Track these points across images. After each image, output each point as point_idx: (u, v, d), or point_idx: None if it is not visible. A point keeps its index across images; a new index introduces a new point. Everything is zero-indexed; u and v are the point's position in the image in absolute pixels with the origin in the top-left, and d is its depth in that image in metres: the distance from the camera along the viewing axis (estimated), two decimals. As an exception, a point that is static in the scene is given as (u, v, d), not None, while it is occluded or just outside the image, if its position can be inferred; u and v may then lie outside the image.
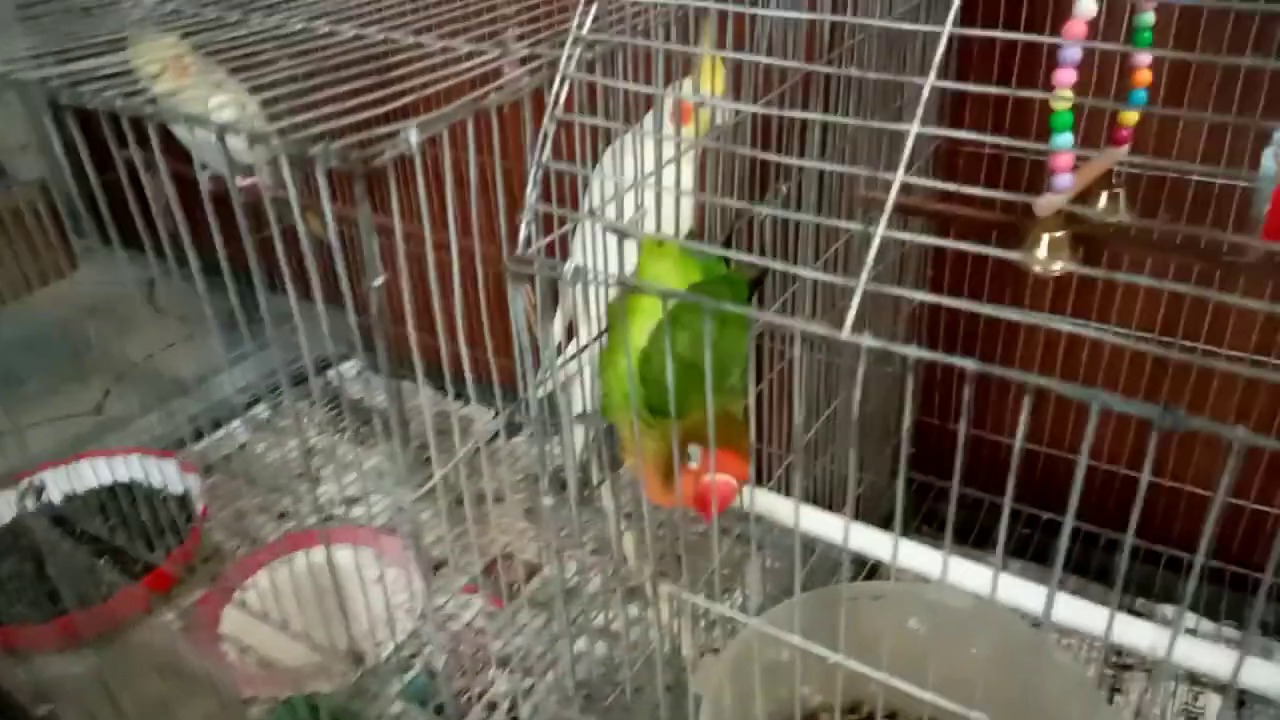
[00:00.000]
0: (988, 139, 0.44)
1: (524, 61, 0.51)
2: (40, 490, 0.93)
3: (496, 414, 1.35)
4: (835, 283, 0.42)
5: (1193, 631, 1.03)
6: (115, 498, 1.25)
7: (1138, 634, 0.61)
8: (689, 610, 0.84)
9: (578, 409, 0.71)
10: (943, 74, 0.44)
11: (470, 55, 0.52)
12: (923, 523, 1.21)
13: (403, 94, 0.48)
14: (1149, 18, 0.67)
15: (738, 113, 0.66)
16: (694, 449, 0.52)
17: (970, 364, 0.40)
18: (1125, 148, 0.72)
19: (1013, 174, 1.04)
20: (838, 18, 0.65)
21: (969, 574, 0.64)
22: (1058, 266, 0.74)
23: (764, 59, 0.52)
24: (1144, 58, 0.68)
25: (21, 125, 1.36)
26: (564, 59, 0.48)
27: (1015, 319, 0.41)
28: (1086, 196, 0.72)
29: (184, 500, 1.29)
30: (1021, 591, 0.63)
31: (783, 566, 1.05)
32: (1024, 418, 0.40)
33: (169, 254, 0.60)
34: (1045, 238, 0.70)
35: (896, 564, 0.59)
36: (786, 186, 0.75)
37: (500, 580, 1.21)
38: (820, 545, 1.04)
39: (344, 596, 0.68)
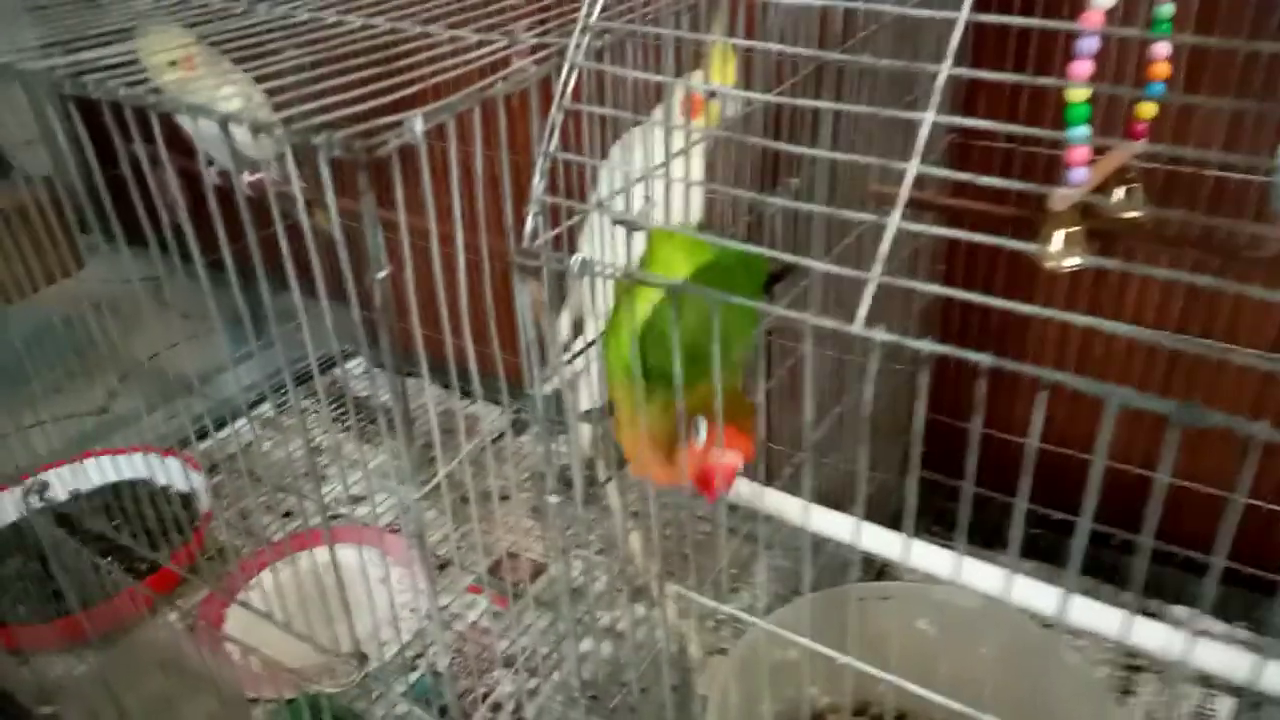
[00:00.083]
0: (1002, 128, 0.43)
1: (532, 51, 0.50)
2: (44, 489, 0.93)
3: (503, 411, 1.35)
4: (847, 275, 0.41)
5: (1206, 632, 1.02)
6: (120, 496, 1.25)
7: (1151, 636, 0.60)
8: (696, 610, 0.83)
9: (584, 406, 0.70)
10: (957, 64, 0.43)
11: (478, 45, 0.51)
12: (933, 521, 1.20)
13: (409, 84, 0.47)
14: (1168, 9, 0.66)
15: (749, 103, 0.66)
16: (700, 423, 0.50)
17: (985, 358, 0.39)
18: (1142, 141, 0.71)
19: (1027, 169, 1.03)
20: (850, 4, 0.64)
21: (981, 574, 0.63)
22: (1072, 261, 0.73)
23: (775, 47, 0.51)
24: (1162, 50, 0.67)
25: (28, 119, 1.36)
26: (572, 47, 0.47)
27: (1029, 312, 0.40)
28: (1102, 190, 0.71)
29: (189, 499, 1.28)
30: (1034, 592, 0.62)
31: (791, 565, 1.04)
32: (1038, 415, 0.39)
33: (173, 250, 0.60)
34: (1060, 232, 0.69)
35: (907, 564, 0.58)
36: (797, 180, 0.74)
37: (505, 580, 1.21)
38: (829, 544, 1.03)
39: (348, 596, 0.67)
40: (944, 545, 0.67)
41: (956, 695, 0.51)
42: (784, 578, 1.05)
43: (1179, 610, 1.07)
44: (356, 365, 1.63)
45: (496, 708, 1.05)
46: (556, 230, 0.51)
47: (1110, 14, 0.57)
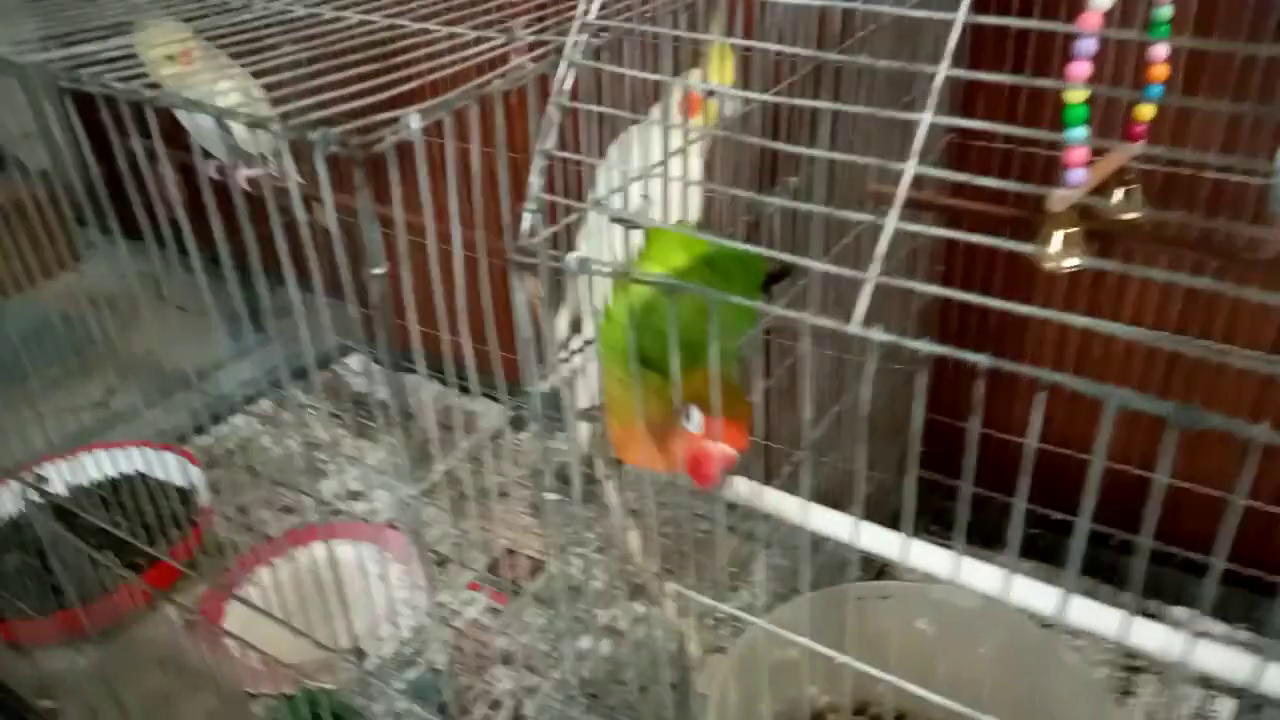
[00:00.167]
0: (1000, 128, 0.43)
1: (530, 48, 0.50)
2: (43, 483, 0.93)
3: (502, 409, 1.35)
4: (846, 275, 0.41)
5: (1206, 633, 1.02)
6: (118, 491, 1.25)
7: (1151, 637, 0.60)
8: (695, 608, 0.83)
9: (583, 404, 0.70)
10: (955, 65, 0.43)
11: (476, 41, 0.51)
12: (932, 521, 1.20)
13: (407, 80, 0.47)
14: (1167, 10, 0.66)
15: (747, 103, 0.66)
16: (695, 411, 0.50)
17: (983, 359, 0.39)
18: (1140, 143, 0.71)
19: (1025, 170, 1.03)
20: (849, 4, 0.64)
21: (980, 574, 0.63)
22: (1070, 262, 0.73)
23: (774, 47, 0.51)
24: (1160, 51, 0.67)
25: (25, 113, 1.36)
26: (570, 45, 0.47)
27: (1028, 313, 0.40)
28: (1101, 191, 0.71)
29: (187, 494, 1.28)
30: (1033, 593, 0.62)
31: (790, 564, 1.04)
32: (1036, 416, 0.39)
33: (171, 245, 0.60)
34: (1058, 233, 0.69)
35: (906, 564, 0.58)
36: (795, 180, 0.74)
37: (504, 577, 1.21)
38: (828, 543, 1.03)
39: (347, 593, 0.67)
40: (943, 545, 0.67)
41: (955, 695, 0.51)
42: (783, 576, 1.05)
43: (1179, 611, 1.07)
44: (355, 361, 1.63)
45: (495, 705, 1.05)
46: (554, 228, 0.51)
47: (1108, 15, 0.57)
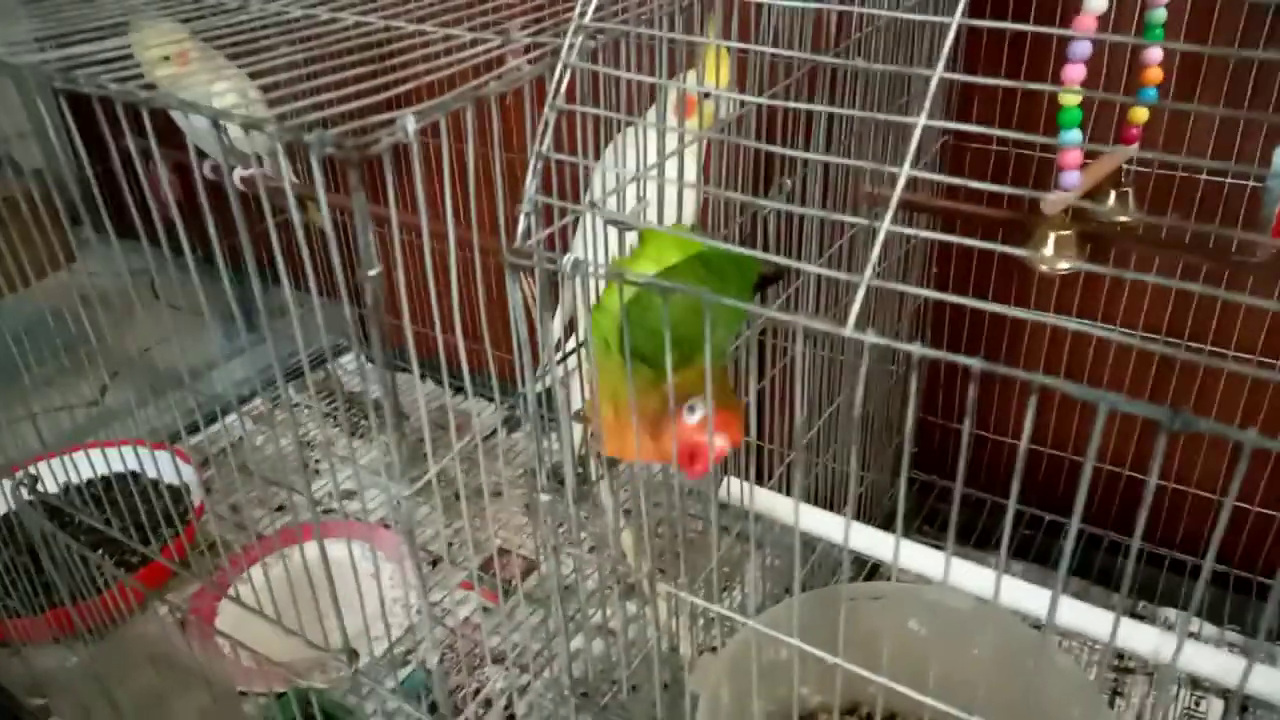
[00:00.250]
0: (995, 132, 0.43)
1: (526, 50, 0.50)
2: (35, 481, 0.93)
3: (495, 408, 1.34)
4: (839, 278, 0.41)
5: (1196, 635, 1.02)
6: (111, 489, 1.24)
7: (1141, 639, 0.60)
8: (687, 608, 0.83)
9: (577, 405, 0.70)
10: (950, 68, 0.43)
11: (473, 43, 0.51)
12: (924, 522, 1.21)
13: (403, 81, 0.47)
14: (1161, 14, 0.66)
15: (742, 105, 0.66)
16: (697, 403, 0.51)
17: (975, 362, 0.39)
18: (1134, 146, 0.71)
19: (1019, 172, 1.03)
20: (845, 8, 0.64)
21: (972, 576, 0.63)
22: (1064, 265, 0.73)
23: (770, 49, 0.51)
24: (1155, 55, 0.67)
25: (20, 113, 1.36)
26: (566, 47, 0.47)
27: (1021, 317, 0.40)
28: (1094, 194, 0.71)
29: (180, 493, 1.28)
30: (1025, 595, 0.62)
31: (783, 565, 1.04)
32: (1029, 418, 0.39)
33: (165, 245, 0.60)
34: (1052, 236, 0.70)
35: (898, 564, 0.58)
36: (790, 181, 0.74)
37: (497, 576, 1.21)
38: (821, 544, 1.03)
39: (339, 592, 0.67)
40: (934, 545, 0.67)
41: (947, 696, 0.51)
42: (776, 576, 1.05)
43: (1169, 612, 1.08)
44: (348, 360, 1.63)
45: (487, 704, 1.05)
46: (550, 229, 0.51)
47: (1103, 19, 0.58)
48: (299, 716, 0.90)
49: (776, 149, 0.47)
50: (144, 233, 0.60)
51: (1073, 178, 0.64)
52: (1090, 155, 0.67)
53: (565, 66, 0.47)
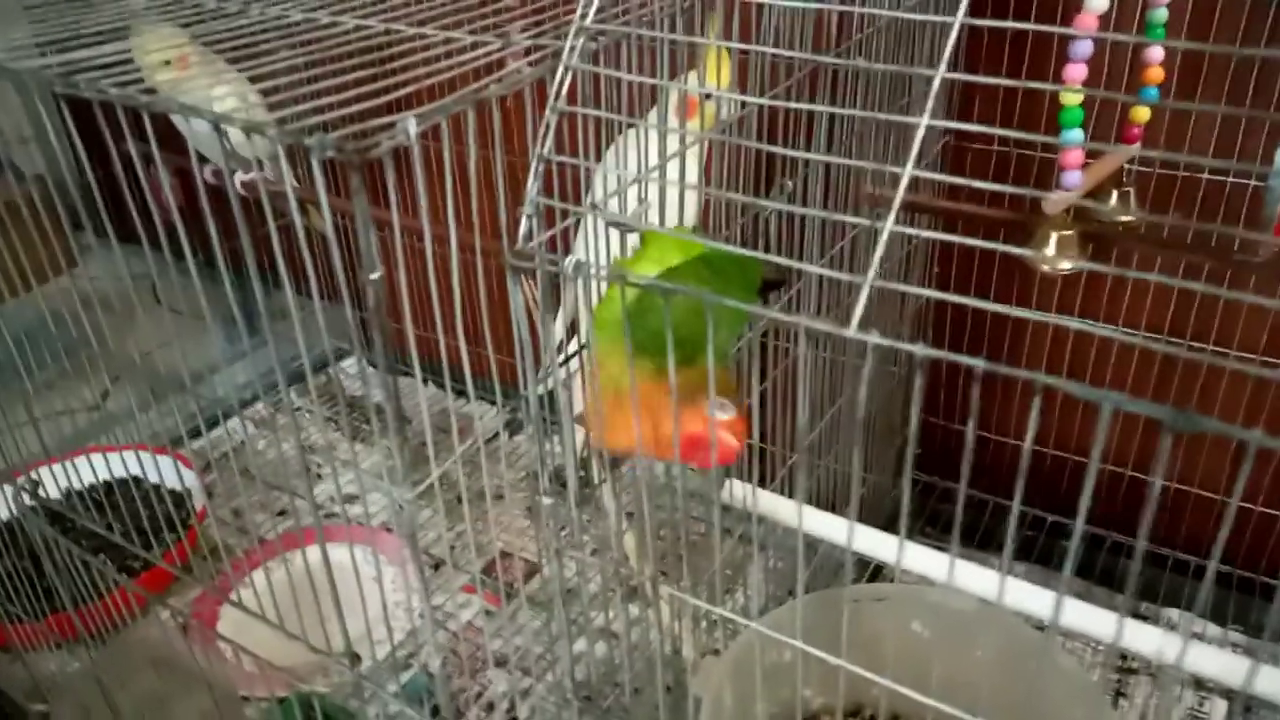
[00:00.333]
0: (996, 131, 0.43)
1: (527, 52, 0.50)
2: (37, 486, 0.93)
3: (497, 412, 1.34)
4: (842, 279, 0.41)
5: (1199, 636, 1.02)
6: (113, 494, 1.24)
7: (1145, 639, 0.60)
8: (690, 611, 0.83)
9: (579, 408, 0.70)
10: (952, 68, 0.43)
11: (473, 46, 0.51)
12: (926, 523, 1.20)
13: (404, 85, 0.47)
14: (1162, 13, 0.66)
15: (744, 106, 0.66)
16: (725, 402, 0.52)
17: (979, 363, 0.39)
18: (1136, 145, 0.71)
19: (1021, 172, 1.03)
20: (846, 8, 0.64)
21: (975, 577, 0.63)
22: (1066, 264, 0.73)
23: (771, 50, 0.51)
24: (1156, 54, 0.67)
25: (22, 117, 1.36)
26: (567, 49, 0.47)
27: (1024, 316, 0.40)
28: (1096, 194, 0.71)
29: (182, 497, 1.28)
30: (1028, 596, 0.62)
31: (785, 566, 1.04)
32: (1033, 419, 0.39)
33: (166, 249, 0.60)
34: (1054, 235, 0.70)
35: (902, 567, 0.58)
36: (792, 182, 0.74)
37: (499, 579, 1.21)
38: (823, 545, 1.03)
39: (341, 595, 0.67)
40: (937, 547, 0.67)
41: (950, 698, 0.51)
42: (778, 578, 1.05)
43: (1172, 613, 1.07)
44: (350, 364, 1.63)
45: (490, 708, 1.05)
46: (551, 231, 0.51)
47: (1104, 18, 0.57)
48: (301, 721, 0.90)
49: (778, 149, 0.47)
50: (145, 237, 0.60)
51: (1074, 178, 0.64)
52: (1092, 155, 0.67)
53: (566, 69, 0.47)
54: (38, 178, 1.14)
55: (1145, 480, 1.11)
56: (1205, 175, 0.93)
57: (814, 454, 0.95)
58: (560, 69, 0.47)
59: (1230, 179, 0.92)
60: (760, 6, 0.66)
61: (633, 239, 0.62)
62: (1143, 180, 0.94)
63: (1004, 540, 0.43)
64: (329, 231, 0.47)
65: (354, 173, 0.40)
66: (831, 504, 1.00)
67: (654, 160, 0.58)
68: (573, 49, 0.48)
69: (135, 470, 1.26)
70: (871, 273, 0.39)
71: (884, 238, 0.39)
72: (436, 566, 1.23)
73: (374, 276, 0.42)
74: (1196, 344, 1.01)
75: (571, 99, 0.48)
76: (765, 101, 0.45)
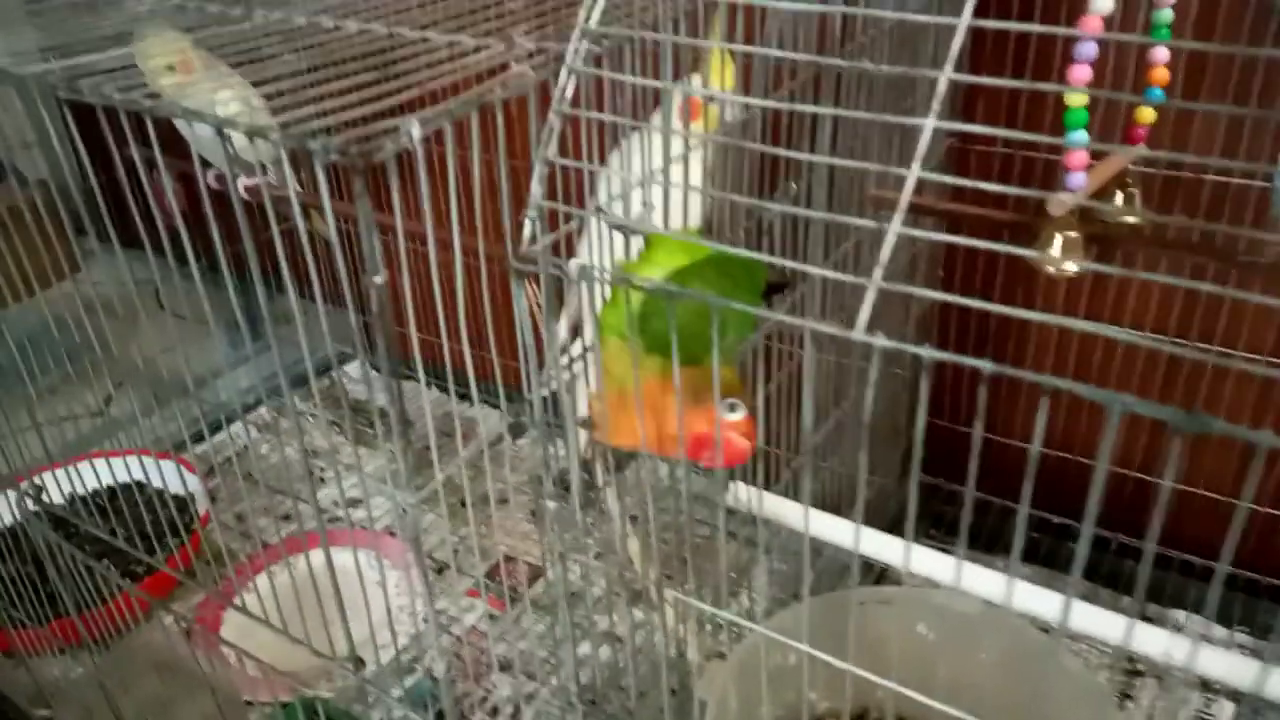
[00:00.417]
0: (1001, 133, 0.43)
1: (530, 56, 0.50)
2: (40, 491, 0.93)
3: (501, 416, 1.34)
4: (847, 282, 0.41)
5: (1205, 637, 1.02)
6: (117, 499, 1.24)
7: (1153, 642, 0.60)
8: (694, 614, 0.83)
9: (583, 412, 0.70)
10: (957, 69, 0.43)
11: (476, 50, 0.51)
12: (931, 525, 1.20)
13: (407, 88, 0.47)
14: (1167, 14, 0.66)
15: (747, 108, 0.66)
16: (735, 403, 0.53)
17: (986, 365, 0.39)
18: (1140, 146, 0.71)
19: (1025, 173, 1.03)
20: (850, 10, 0.64)
21: (982, 580, 0.63)
22: (1071, 266, 0.73)
23: (774, 53, 0.51)
24: (1161, 55, 0.67)
25: (25, 123, 1.36)
26: (570, 52, 0.47)
27: (1030, 318, 0.40)
28: (1101, 195, 0.71)
29: (186, 502, 1.28)
30: (1035, 598, 0.62)
31: (790, 569, 1.04)
32: (1040, 421, 0.39)
33: (169, 254, 0.60)
34: (1058, 237, 0.69)
35: (908, 570, 0.58)
36: (796, 184, 0.74)
37: (503, 583, 1.21)
38: (829, 548, 1.03)
39: (345, 600, 0.67)
40: (942, 549, 0.67)
41: (956, 700, 0.51)
42: (784, 581, 1.05)
43: (1178, 614, 1.07)
44: (353, 368, 1.63)
45: (494, 712, 1.05)
46: (554, 235, 0.51)
47: (1109, 20, 0.57)
48: (305, 725, 0.90)
49: (782, 152, 0.46)
50: (148, 241, 0.60)
51: (1079, 179, 0.64)
52: (1096, 156, 0.66)
53: (570, 72, 0.47)
54: (40, 182, 1.14)
55: (1151, 481, 1.10)
56: (1210, 176, 0.92)
57: (819, 456, 0.94)
58: (564, 72, 0.47)
59: (1235, 180, 0.91)
60: (763, 9, 0.66)
61: (637, 241, 0.61)
62: (1147, 181, 0.94)
63: (1009, 541, 0.43)
64: (332, 236, 0.47)
65: (357, 176, 0.40)
66: (836, 505, 1.00)
67: (658, 163, 0.58)
68: (576, 52, 0.48)
69: (138, 475, 1.26)
70: (877, 274, 0.39)
71: (890, 241, 0.39)
72: (440, 570, 1.23)
73: (378, 281, 0.42)
74: (1202, 345, 1.00)
75: (575, 102, 0.48)
76: (769, 104, 0.45)
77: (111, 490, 1.27)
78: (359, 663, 0.72)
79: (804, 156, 0.43)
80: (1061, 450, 1.13)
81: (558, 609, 0.63)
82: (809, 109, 0.50)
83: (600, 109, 0.51)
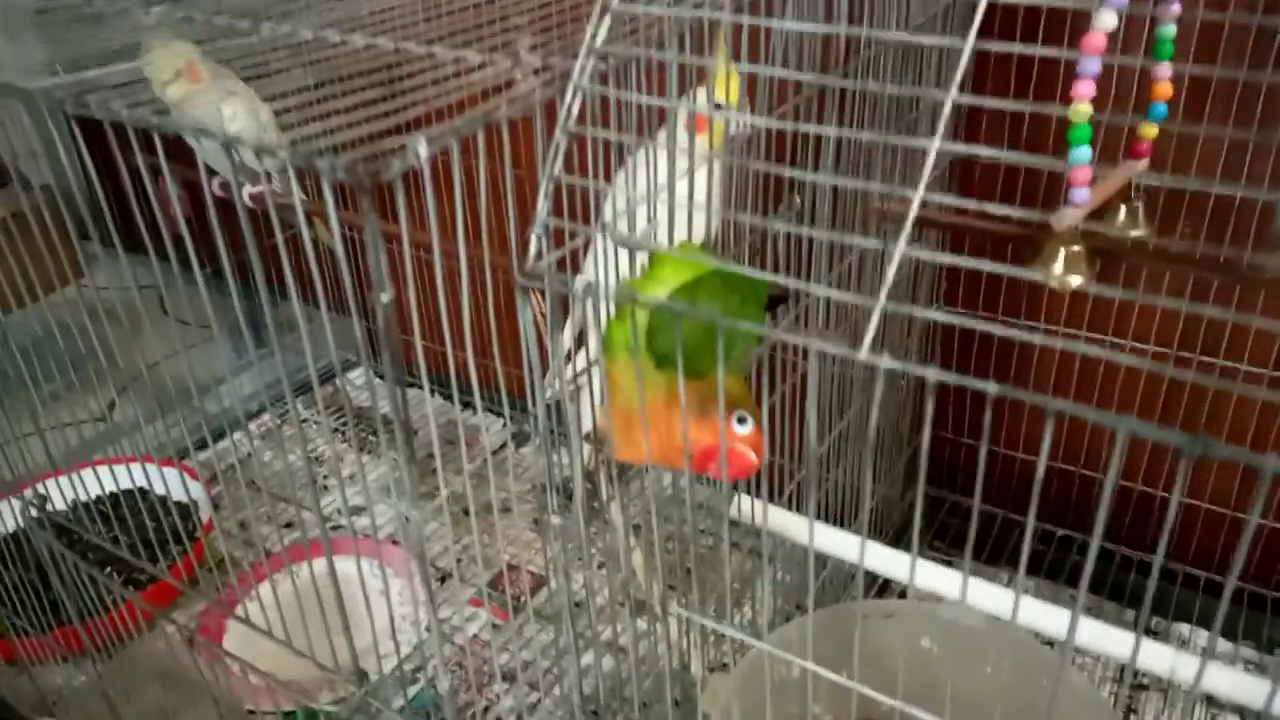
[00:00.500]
0: (1004, 157, 0.43)
1: (536, 73, 0.50)
2: (44, 500, 0.93)
3: (505, 424, 1.34)
4: (852, 302, 0.41)
5: (1209, 651, 1.01)
6: (120, 506, 1.24)
7: (1159, 658, 0.60)
8: (698, 627, 0.83)
9: (587, 425, 0.70)
10: (962, 89, 0.43)
11: (482, 66, 0.51)
12: (935, 536, 1.20)
13: (414, 104, 0.47)
14: (1170, 29, 0.66)
15: (752, 126, 0.66)
16: (745, 415, 0.54)
17: (991, 387, 0.39)
18: (1144, 161, 0.71)
19: (1030, 184, 1.03)
20: (854, 29, 0.64)
21: (988, 595, 0.63)
22: (1074, 281, 0.73)
23: (779, 72, 0.51)
24: (1165, 70, 0.67)
25: (32, 132, 1.36)
26: (577, 70, 0.47)
27: (1030, 340, 0.40)
28: (1104, 210, 0.71)
29: (189, 509, 1.28)
30: (1042, 614, 0.62)
31: (794, 580, 1.04)
32: (1045, 441, 0.39)
33: (173, 260, 0.60)
34: (1062, 251, 0.69)
35: (914, 585, 0.58)
36: (800, 197, 0.74)
37: (506, 593, 1.20)
38: (833, 559, 1.03)
39: (348, 608, 0.67)
40: (946, 561, 0.67)
41: (961, 714, 0.51)
42: (787, 592, 1.05)
43: (1183, 628, 1.07)
44: (357, 376, 1.63)
45: (496, 722, 1.04)
46: (560, 252, 0.51)
47: (1112, 36, 0.57)
48: (308, 735, 0.90)
49: (786, 170, 0.47)
50: (152, 248, 0.60)
51: (1083, 193, 0.64)
52: (1100, 171, 0.66)
53: (576, 89, 0.47)
54: (45, 187, 1.14)
55: (1154, 494, 1.10)
56: (1215, 189, 0.92)
57: (822, 467, 0.94)
58: (570, 91, 0.47)
59: (1239, 193, 0.91)
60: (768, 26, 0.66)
61: (642, 256, 0.62)
62: (1151, 195, 0.94)
63: (1013, 553, 0.43)
64: (337, 246, 0.47)
65: (364, 196, 0.40)
66: (840, 516, 1.00)
67: (664, 178, 0.58)
68: (583, 70, 0.48)
69: (142, 482, 1.26)
70: (883, 296, 0.39)
71: (895, 261, 0.39)
72: (443, 579, 1.23)
73: (384, 300, 0.42)
74: (1207, 357, 1.00)
75: (581, 120, 0.48)
76: (773, 123, 0.45)
77: (114, 497, 1.27)
78: (362, 675, 0.72)
79: (809, 176, 0.43)
80: (1065, 463, 1.13)
81: (561, 619, 0.63)
82: (814, 129, 0.50)
83: (606, 125, 0.51)
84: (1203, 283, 0.86)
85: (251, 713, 1.04)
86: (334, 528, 1.31)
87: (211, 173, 1.03)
